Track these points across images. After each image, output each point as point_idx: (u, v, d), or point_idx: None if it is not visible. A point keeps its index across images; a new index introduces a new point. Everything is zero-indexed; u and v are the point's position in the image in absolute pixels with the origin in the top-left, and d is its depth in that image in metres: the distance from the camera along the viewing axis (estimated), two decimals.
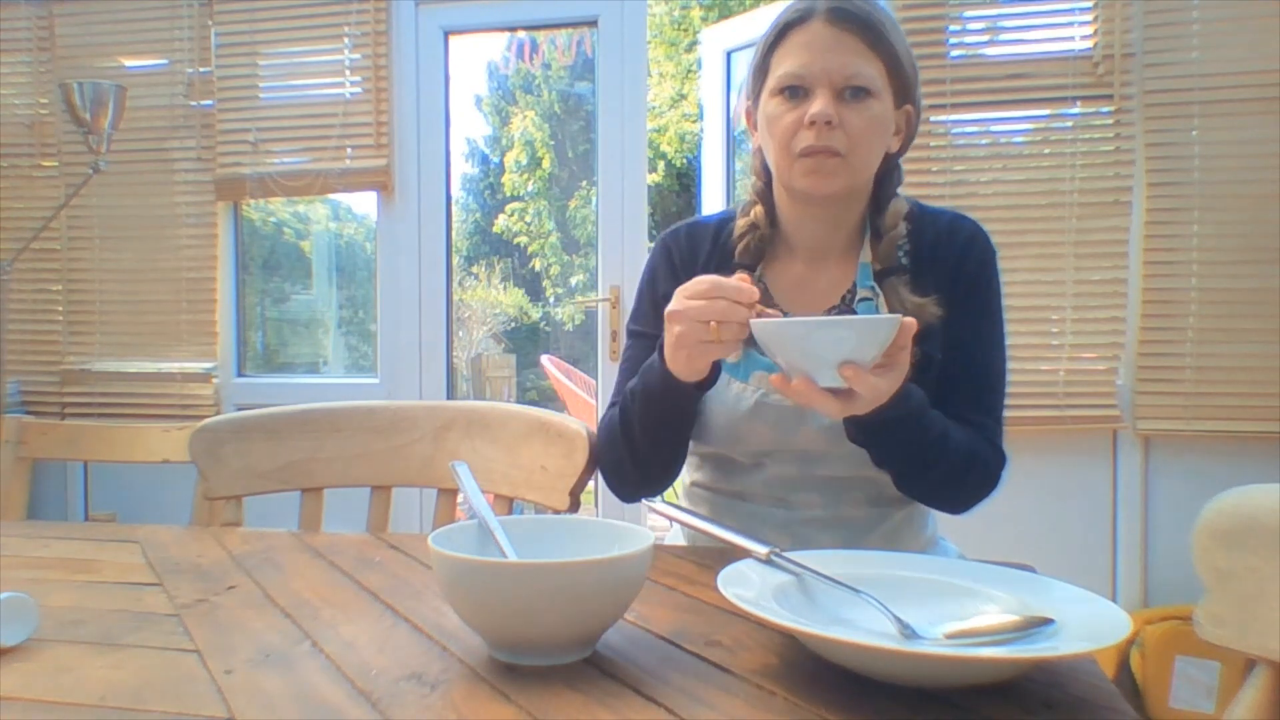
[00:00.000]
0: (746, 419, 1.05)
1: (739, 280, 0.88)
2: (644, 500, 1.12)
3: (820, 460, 1.06)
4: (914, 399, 0.95)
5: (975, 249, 1.08)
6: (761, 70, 1.06)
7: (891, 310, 1.03)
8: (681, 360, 0.92)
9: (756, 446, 1.07)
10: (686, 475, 1.19)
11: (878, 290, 1.05)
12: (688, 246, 1.15)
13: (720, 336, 0.87)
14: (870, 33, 1.00)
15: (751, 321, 0.86)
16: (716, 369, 0.99)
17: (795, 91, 1.01)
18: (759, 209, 1.11)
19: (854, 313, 1.07)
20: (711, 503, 1.14)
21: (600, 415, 1.15)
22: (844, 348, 0.82)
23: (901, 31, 1.05)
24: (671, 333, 0.91)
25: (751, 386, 1.06)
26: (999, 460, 1.05)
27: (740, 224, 1.11)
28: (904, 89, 1.04)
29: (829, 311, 1.09)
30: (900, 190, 1.11)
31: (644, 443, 1.04)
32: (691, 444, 1.15)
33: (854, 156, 1.01)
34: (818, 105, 0.99)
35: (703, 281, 0.88)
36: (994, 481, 1.05)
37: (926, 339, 1.02)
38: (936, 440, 0.97)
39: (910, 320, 0.84)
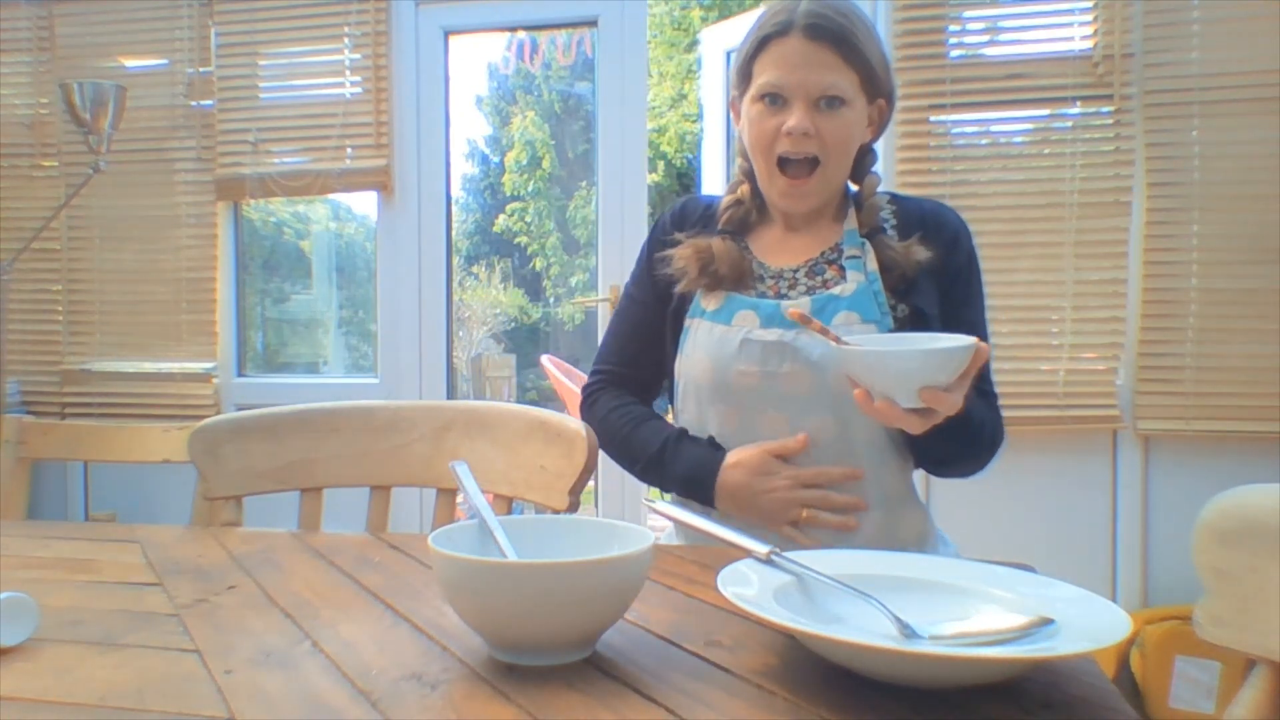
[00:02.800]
0: (734, 359, 1.10)
1: (789, 443, 1.06)
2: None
3: (805, 404, 1.08)
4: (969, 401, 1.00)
5: (963, 240, 1.16)
6: (744, 74, 1.14)
7: (885, 261, 1.11)
8: (751, 521, 1.07)
9: (744, 394, 1.10)
10: None
11: (868, 247, 1.12)
12: (680, 214, 1.25)
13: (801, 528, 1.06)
14: (844, 45, 1.07)
15: (840, 350, 0.92)
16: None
17: (775, 100, 1.10)
18: (745, 187, 1.20)
19: (833, 266, 1.14)
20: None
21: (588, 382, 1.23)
22: (923, 375, 0.87)
23: (875, 34, 1.12)
24: (760, 512, 1.06)
25: (735, 328, 1.11)
26: (1000, 419, 1.15)
27: (727, 199, 1.21)
28: (876, 88, 1.13)
29: (807, 263, 1.15)
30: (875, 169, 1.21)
31: (646, 478, 1.18)
32: (680, 416, 1.22)
33: (830, 161, 1.10)
34: (794, 119, 1.08)
35: (767, 464, 1.07)
36: (1001, 441, 1.14)
37: (916, 292, 1.11)
38: (977, 427, 1.06)
39: (984, 346, 0.91)
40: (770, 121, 1.09)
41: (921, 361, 0.87)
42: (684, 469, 1.12)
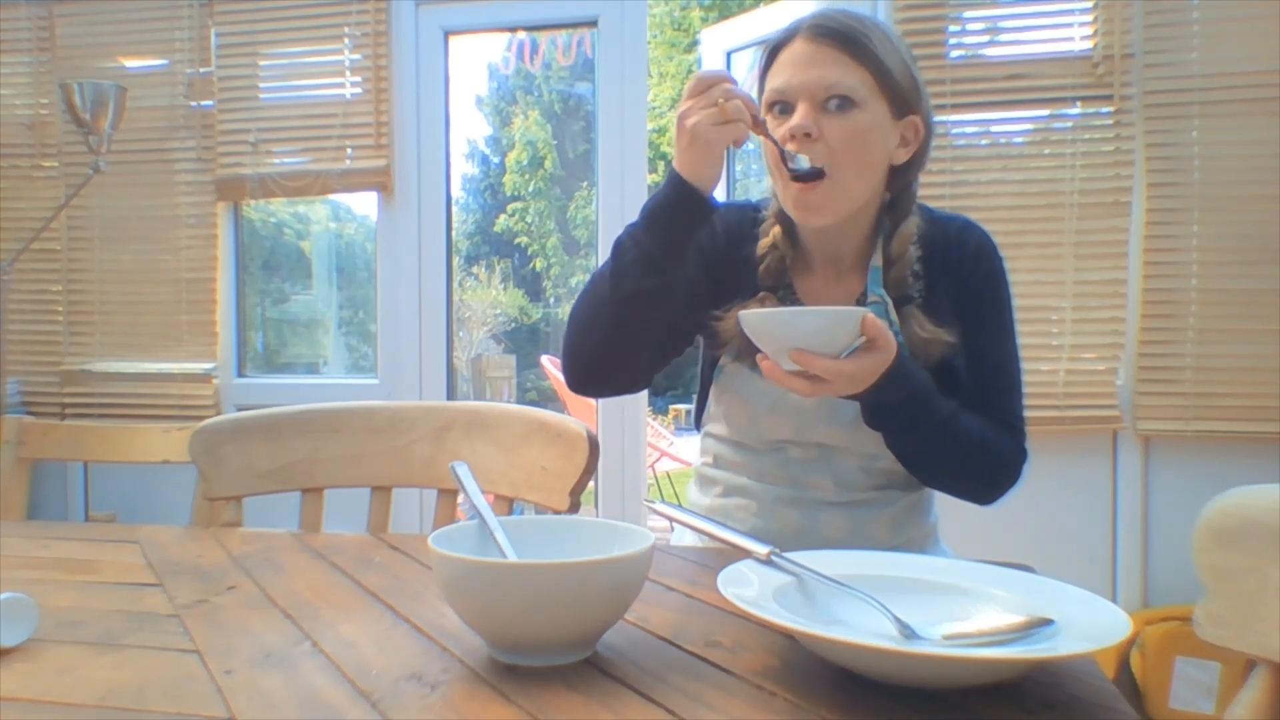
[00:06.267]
0: (768, 412, 1.09)
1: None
2: (597, 397, 1.15)
3: (838, 450, 1.10)
4: (915, 381, 0.98)
5: (984, 259, 1.10)
6: (761, 94, 1.09)
7: (909, 339, 1.05)
8: (699, 151, 0.96)
9: (775, 436, 1.11)
10: (698, 459, 1.23)
11: (885, 297, 1.07)
12: (735, 224, 1.17)
13: (729, 115, 0.92)
14: (851, 44, 1.02)
15: (738, 315, 0.93)
16: (710, 197, 1.00)
17: (781, 108, 1.05)
18: (778, 229, 1.13)
19: None
20: (725, 483, 1.17)
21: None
22: (793, 336, 0.89)
23: (896, 43, 1.06)
24: (685, 130, 0.95)
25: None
26: (1019, 452, 1.08)
27: (762, 245, 1.14)
28: (901, 99, 1.05)
29: None
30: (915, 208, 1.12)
31: (634, 279, 1.00)
32: (710, 426, 1.20)
33: (840, 171, 1.02)
34: (796, 118, 1.02)
35: (701, 80, 0.94)
36: (1015, 472, 1.08)
37: (942, 370, 1.05)
38: (946, 422, 1.00)
39: (871, 315, 0.88)
40: (778, 131, 1.04)
41: (788, 324, 0.90)
42: (650, 216, 1.01)
